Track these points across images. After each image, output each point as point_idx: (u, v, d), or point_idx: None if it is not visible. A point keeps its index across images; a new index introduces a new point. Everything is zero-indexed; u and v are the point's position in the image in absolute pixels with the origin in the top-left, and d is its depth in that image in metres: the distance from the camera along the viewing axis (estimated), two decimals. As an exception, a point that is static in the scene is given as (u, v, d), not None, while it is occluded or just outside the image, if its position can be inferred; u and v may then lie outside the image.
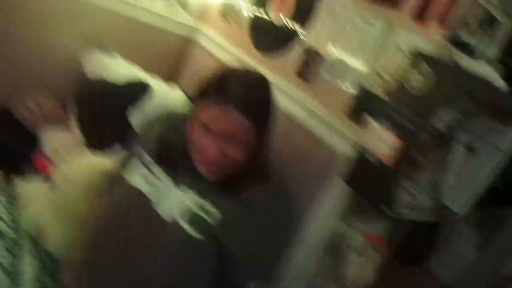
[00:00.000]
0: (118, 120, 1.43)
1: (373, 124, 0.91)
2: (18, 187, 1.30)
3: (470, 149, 1.00)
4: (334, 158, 1.03)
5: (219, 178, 0.95)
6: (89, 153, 1.39)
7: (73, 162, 1.29)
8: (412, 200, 0.97)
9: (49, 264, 1.12)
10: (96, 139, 1.47)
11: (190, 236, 0.89)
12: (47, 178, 1.33)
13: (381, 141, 0.85)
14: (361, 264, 1.14)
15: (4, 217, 1.17)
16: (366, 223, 1.12)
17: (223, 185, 0.96)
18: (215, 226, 0.90)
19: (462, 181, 1.02)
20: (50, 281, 1.07)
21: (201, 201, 0.94)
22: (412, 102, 0.87)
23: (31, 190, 1.29)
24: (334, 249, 1.11)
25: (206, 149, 0.89)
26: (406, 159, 0.84)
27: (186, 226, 0.91)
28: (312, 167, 1.07)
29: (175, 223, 0.91)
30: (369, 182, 0.90)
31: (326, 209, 1.04)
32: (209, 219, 0.91)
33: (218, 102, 0.86)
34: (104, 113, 1.46)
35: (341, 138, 1.07)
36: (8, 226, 1.16)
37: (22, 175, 1.35)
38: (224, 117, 0.86)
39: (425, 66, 0.88)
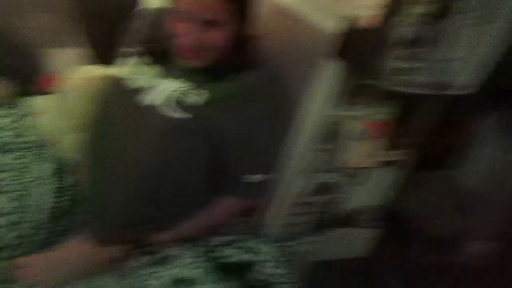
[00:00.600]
0: (120, 29, 1.42)
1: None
2: (28, 102, 1.36)
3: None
4: (323, 36, 0.97)
5: (202, 64, 0.94)
6: (96, 66, 1.40)
7: (79, 73, 1.32)
8: (409, 75, 0.90)
9: (61, 167, 1.18)
10: (103, 50, 1.48)
11: (177, 118, 0.91)
12: (54, 91, 1.37)
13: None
14: (362, 151, 1.12)
15: (12, 129, 1.22)
16: (365, 108, 1.07)
17: (210, 72, 0.95)
18: (203, 106, 0.91)
19: (471, 53, 0.93)
20: (63, 180, 1.13)
21: (187, 86, 0.95)
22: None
23: (41, 102, 1.34)
24: (332, 137, 1.08)
25: (184, 36, 0.88)
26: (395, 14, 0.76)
27: (172, 109, 0.92)
28: (301, 50, 1.01)
29: (161, 108, 0.92)
30: (355, 53, 0.83)
31: (320, 95, 0.99)
32: (195, 101, 0.92)
33: None
34: (110, 24, 1.45)
35: (327, 13, 0.99)
36: (16, 135, 1.22)
37: (31, 93, 1.40)
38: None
39: None
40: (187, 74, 0.96)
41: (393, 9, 0.75)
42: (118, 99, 1.01)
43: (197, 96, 0.92)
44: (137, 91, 0.98)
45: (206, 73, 0.95)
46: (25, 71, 1.44)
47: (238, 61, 0.96)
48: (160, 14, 1.08)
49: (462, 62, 0.94)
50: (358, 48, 0.85)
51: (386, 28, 0.77)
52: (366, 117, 1.09)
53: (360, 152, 1.10)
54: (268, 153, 1.03)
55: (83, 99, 1.24)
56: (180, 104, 0.92)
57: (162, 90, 0.95)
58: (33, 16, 1.48)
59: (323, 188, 1.22)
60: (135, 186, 0.93)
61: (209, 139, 0.94)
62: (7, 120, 1.21)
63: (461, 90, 0.95)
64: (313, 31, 0.97)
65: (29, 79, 1.43)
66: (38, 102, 1.35)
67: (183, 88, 0.94)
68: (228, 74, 0.94)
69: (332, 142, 1.08)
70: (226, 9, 0.85)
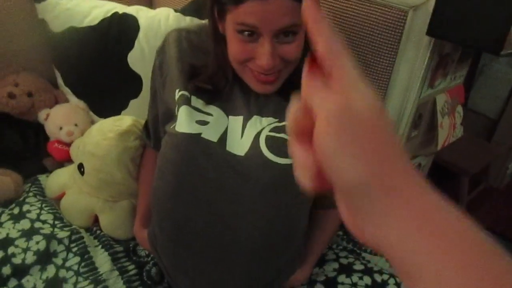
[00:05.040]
0: (119, 73, 1.20)
1: None
2: (46, 184, 1.13)
3: None
4: (402, 14, 0.84)
5: (278, 86, 0.76)
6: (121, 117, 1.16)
7: (89, 135, 1.10)
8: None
9: (119, 249, 0.99)
10: (102, 103, 1.25)
11: (276, 164, 0.74)
12: (69, 162, 1.15)
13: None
14: (450, 124, 1.02)
15: (52, 221, 1.00)
16: (450, 78, 0.97)
17: (288, 91, 0.78)
18: None
19: None
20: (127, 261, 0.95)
21: (271, 120, 0.78)
22: None
23: (59, 182, 1.12)
24: (423, 120, 0.97)
25: (256, 60, 0.68)
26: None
27: (267, 154, 0.75)
28: (381, 37, 0.88)
29: (254, 156, 0.75)
30: (451, 26, 0.72)
31: (407, 77, 0.87)
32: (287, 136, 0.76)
33: None
34: (99, 70, 1.21)
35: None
36: (57, 227, 1.00)
37: (44, 171, 1.17)
38: (266, 8, 0.63)
39: None
40: (265, 103, 0.79)
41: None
42: (189, 156, 0.77)
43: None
44: (209, 140, 0.78)
45: (285, 94, 0.78)
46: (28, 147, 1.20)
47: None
48: (191, 38, 0.87)
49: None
50: (456, 20, 0.73)
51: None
52: (447, 88, 0.99)
53: (451, 125, 1.00)
54: None
55: (109, 165, 1.02)
56: (272, 144, 0.75)
57: (242, 132, 0.78)
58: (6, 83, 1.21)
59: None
60: (247, 253, 0.78)
61: None
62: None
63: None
64: (391, 11, 0.84)
65: (36, 154, 1.20)
66: (56, 182, 1.12)
67: (268, 123, 0.77)
68: None
69: (424, 126, 0.98)
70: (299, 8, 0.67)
